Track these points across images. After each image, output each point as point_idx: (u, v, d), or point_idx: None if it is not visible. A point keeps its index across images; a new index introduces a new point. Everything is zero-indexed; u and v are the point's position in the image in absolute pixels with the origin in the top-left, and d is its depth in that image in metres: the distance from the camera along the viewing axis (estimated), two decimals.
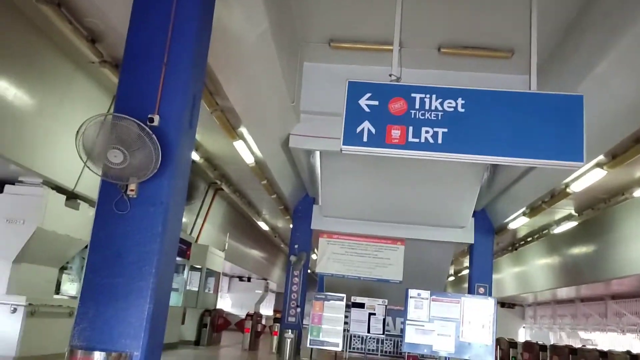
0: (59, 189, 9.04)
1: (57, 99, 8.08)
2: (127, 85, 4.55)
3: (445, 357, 8.40)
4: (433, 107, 4.71)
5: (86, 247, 4.20)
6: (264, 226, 20.33)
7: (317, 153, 11.00)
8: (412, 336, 8.45)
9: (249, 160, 11.01)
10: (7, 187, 8.89)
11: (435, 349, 8.32)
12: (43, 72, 7.69)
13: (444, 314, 8.48)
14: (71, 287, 10.90)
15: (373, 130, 4.71)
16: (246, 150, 10.42)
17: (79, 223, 9.39)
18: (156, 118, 4.32)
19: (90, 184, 8.97)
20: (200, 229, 15.99)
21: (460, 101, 4.71)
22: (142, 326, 4.01)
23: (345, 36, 8.66)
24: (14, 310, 7.84)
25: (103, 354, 3.88)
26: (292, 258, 14.60)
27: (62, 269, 10.41)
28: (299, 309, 14.47)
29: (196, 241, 15.29)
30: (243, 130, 9.58)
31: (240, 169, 12.67)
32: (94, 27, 6.68)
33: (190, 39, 4.67)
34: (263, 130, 9.89)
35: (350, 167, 10.93)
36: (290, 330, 13.44)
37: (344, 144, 4.73)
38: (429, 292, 8.73)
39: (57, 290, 10.34)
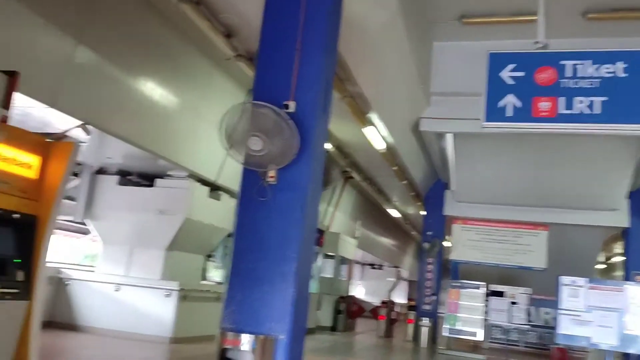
0: (203, 182, 9.57)
1: (198, 95, 8.53)
2: (262, 74, 4.65)
3: (606, 351, 7.63)
4: (587, 74, 4.25)
5: (228, 235, 4.36)
6: (394, 213, 20.11)
7: (448, 136, 10.58)
8: (567, 327, 7.80)
9: (379, 146, 10.88)
10: (157, 181, 9.58)
11: (594, 341, 7.59)
12: (185, 71, 8.14)
13: (604, 304, 7.74)
14: (216, 274, 11.57)
15: (518, 104, 4.36)
16: (376, 136, 10.30)
17: (221, 213, 9.86)
18: (291, 104, 4.37)
19: (230, 176, 9.39)
20: (332, 217, 16.18)
21: (620, 65, 4.20)
22: (287, 310, 4.08)
23: (478, 10, 8.21)
24: (168, 295, 8.45)
25: (252, 336, 3.99)
26: (426, 245, 14.32)
27: (207, 256, 11.06)
28: (434, 297, 14.17)
29: (328, 229, 15.51)
30: (373, 115, 9.47)
31: (369, 156, 12.58)
32: (229, 22, 6.92)
33: (321, 24, 4.68)
34: (393, 114, 9.72)
35: (487, 149, 10.39)
36: (426, 319, 13.20)
37: (486, 121, 4.42)
38: (584, 279, 8.05)
39: (203, 277, 11.02)
